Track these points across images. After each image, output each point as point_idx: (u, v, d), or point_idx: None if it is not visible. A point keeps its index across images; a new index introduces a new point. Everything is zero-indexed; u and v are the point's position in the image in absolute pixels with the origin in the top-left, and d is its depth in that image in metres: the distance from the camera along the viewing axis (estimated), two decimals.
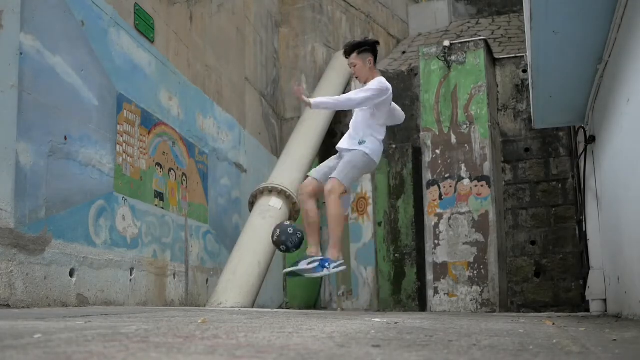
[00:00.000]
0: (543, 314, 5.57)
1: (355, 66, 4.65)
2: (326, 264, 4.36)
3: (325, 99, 4.85)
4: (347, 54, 4.67)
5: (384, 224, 8.19)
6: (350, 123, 4.71)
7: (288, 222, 4.68)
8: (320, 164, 4.85)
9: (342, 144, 4.65)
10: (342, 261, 4.47)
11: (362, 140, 4.55)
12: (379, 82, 4.61)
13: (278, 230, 4.46)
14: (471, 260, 6.83)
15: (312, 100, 4.48)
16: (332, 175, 4.47)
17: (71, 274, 4.37)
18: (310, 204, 4.58)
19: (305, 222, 4.61)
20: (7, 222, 3.79)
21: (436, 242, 7.01)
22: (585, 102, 5.67)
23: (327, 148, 7.71)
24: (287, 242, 4.38)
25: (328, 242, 4.53)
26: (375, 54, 4.70)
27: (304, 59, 9.77)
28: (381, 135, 4.65)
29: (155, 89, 5.87)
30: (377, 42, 4.79)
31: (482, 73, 7.21)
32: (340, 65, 9.50)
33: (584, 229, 6.34)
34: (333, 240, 4.46)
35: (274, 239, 4.45)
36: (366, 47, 4.67)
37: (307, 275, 4.41)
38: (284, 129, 9.40)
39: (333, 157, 4.75)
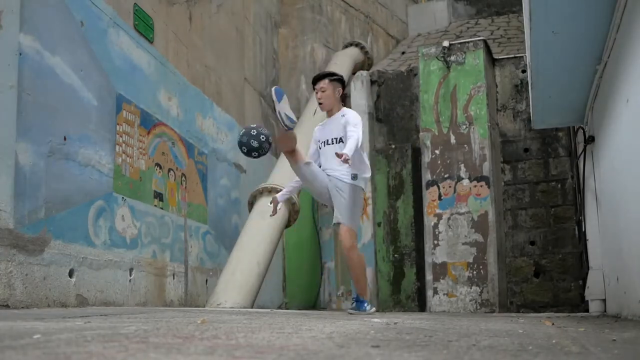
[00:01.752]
0: (542, 314, 5.57)
1: (324, 92, 4.58)
2: (366, 306, 4.50)
3: (352, 146, 4.30)
4: (319, 79, 4.63)
5: (384, 225, 8.19)
6: (328, 160, 4.53)
7: (254, 125, 4.47)
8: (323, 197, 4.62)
9: (333, 170, 4.49)
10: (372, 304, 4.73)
11: (354, 174, 4.47)
12: (356, 114, 4.58)
13: (242, 130, 4.35)
14: (470, 260, 6.83)
15: (345, 156, 4.18)
16: (342, 222, 4.44)
17: (70, 275, 4.37)
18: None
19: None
20: (6, 223, 3.78)
21: (435, 242, 7.01)
22: (585, 102, 5.67)
23: None
24: (249, 143, 4.23)
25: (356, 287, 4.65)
26: (344, 89, 4.67)
27: (303, 60, 9.77)
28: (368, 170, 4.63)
29: (155, 90, 5.87)
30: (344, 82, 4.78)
31: (481, 73, 7.21)
32: (340, 66, 9.50)
33: (583, 229, 6.35)
34: (362, 285, 4.59)
35: (238, 141, 4.33)
36: (338, 79, 4.66)
37: (351, 311, 4.53)
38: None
39: (322, 175, 4.52)
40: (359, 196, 4.54)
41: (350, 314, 4.38)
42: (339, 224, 4.48)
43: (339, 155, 4.09)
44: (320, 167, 4.61)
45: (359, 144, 4.35)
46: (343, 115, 4.55)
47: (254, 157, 4.35)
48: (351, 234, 4.46)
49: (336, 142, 4.52)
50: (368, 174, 4.60)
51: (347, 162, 4.10)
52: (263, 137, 4.24)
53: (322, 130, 4.70)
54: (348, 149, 4.18)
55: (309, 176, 4.47)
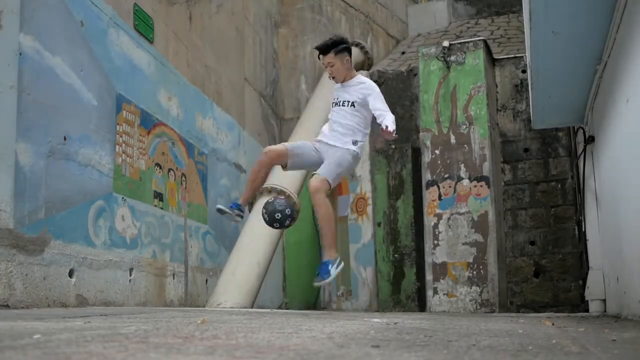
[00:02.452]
0: (542, 314, 5.57)
1: (332, 66, 4.45)
2: (330, 267, 4.30)
3: (392, 118, 4.34)
4: (323, 52, 4.45)
5: (384, 225, 8.19)
6: (335, 121, 4.52)
7: (276, 201, 4.47)
8: (297, 143, 4.70)
9: (329, 139, 4.48)
10: (340, 259, 4.44)
11: (356, 140, 4.46)
12: (374, 84, 4.55)
13: (270, 207, 4.40)
14: (470, 260, 6.83)
15: (392, 128, 4.24)
16: (320, 173, 4.36)
17: (70, 275, 4.37)
18: (267, 170, 4.60)
19: (252, 179, 4.57)
20: (6, 223, 3.78)
21: (435, 242, 7.01)
22: (585, 102, 5.67)
23: None
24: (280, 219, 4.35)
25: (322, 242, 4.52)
26: (351, 53, 4.56)
27: (303, 60, 9.77)
28: (366, 139, 4.64)
29: (155, 90, 5.87)
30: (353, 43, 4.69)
31: (481, 73, 7.21)
32: None
33: (584, 229, 6.35)
34: (328, 239, 4.40)
35: (269, 217, 4.37)
36: (344, 47, 4.49)
37: (316, 283, 4.38)
38: (283, 129, 9.40)
39: (308, 143, 4.59)
40: (349, 161, 4.46)
41: (316, 285, 4.33)
42: (315, 174, 4.42)
43: (386, 132, 4.13)
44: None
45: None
46: (362, 83, 4.51)
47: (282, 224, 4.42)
48: (324, 182, 4.34)
49: (348, 105, 4.49)
50: (362, 147, 4.61)
51: (392, 136, 4.16)
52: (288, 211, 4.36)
53: (339, 92, 4.62)
54: (391, 122, 4.20)
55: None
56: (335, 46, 4.43)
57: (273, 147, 4.62)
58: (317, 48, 4.52)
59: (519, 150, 7.76)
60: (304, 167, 4.88)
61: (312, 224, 9.00)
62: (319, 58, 4.53)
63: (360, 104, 4.46)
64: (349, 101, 4.49)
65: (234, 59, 7.95)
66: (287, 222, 4.38)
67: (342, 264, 4.44)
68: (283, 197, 4.43)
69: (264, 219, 4.41)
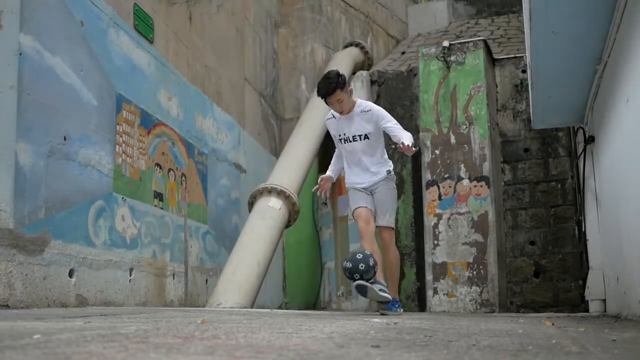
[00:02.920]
0: (542, 314, 5.57)
1: (342, 102, 4.48)
2: (397, 305, 4.52)
3: (408, 134, 4.54)
4: (330, 94, 4.45)
5: None
6: (358, 161, 4.63)
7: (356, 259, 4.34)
8: (361, 198, 4.65)
9: (369, 180, 4.62)
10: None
11: (388, 170, 4.65)
12: (379, 108, 4.66)
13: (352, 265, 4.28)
14: (470, 260, 6.83)
15: (409, 143, 4.37)
16: (384, 225, 4.62)
17: (70, 275, 4.37)
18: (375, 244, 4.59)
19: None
20: (6, 223, 3.78)
21: (435, 242, 7.01)
22: (585, 102, 5.67)
23: (326, 149, 7.71)
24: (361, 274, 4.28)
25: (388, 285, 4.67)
26: (349, 84, 4.75)
27: (303, 60, 9.77)
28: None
29: (155, 90, 5.87)
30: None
31: (481, 73, 7.21)
32: (339, 66, 9.49)
33: (583, 229, 6.35)
34: (396, 284, 4.74)
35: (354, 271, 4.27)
36: (344, 79, 4.51)
37: (379, 300, 4.41)
38: (283, 129, 9.40)
39: (364, 197, 4.64)
40: (395, 192, 4.74)
41: (383, 314, 4.41)
42: (380, 227, 4.64)
43: (406, 148, 4.23)
44: (344, 163, 4.76)
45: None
46: (367, 111, 4.54)
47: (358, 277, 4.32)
48: (392, 232, 4.71)
49: (363, 139, 4.54)
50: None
51: (412, 151, 4.28)
52: (361, 267, 4.24)
53: (339, 125, 4.63)
54: (408, 139, 4.32)
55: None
56: (339, 84, 4.44)
57: (362, 218, 4.58)
58: (324, 94, 4.46)
59: (519, 150, 7.76)
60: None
61: (312, 224, 9.01)
62: (326, 102, 4.52)
63: (373, 133, 4.55)
64: (361, 135, 4.55)
65: (234, 59, 7.95)
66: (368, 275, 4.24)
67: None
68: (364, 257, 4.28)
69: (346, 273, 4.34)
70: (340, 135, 4.63)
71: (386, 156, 4.74)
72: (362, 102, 4.64)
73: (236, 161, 7.77)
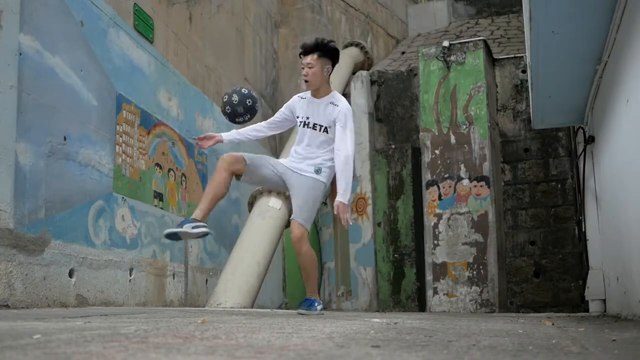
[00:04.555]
0: (542, 314, 5.57)
1: (311, 68, 3.95)
2: (316, 304, 4.01)
3: (344, 187, 3.96)
4: (306, 52, 3.96)
5: (384, 225, 8.19)
6: (303, 144, 4.10)
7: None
8: (255, 156, 4.17)
9: (296, 165, 4.09)
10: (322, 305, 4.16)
11: (318, 168, 4.04)
12: (349, 108, 4.09)
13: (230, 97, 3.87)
14: (470, 260, 6.83)
15: (345, 201, 3.92)
16: (295, 219, 4.05)
17: (70, 275, 4.37)
18: (227, 176, 4.04)
19: (210, 188, 4.08)
20: (6, 223, 3.78)
21: (435, 242, 7.01)
22: (585, 102, 5.67)
23: None
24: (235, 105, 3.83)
25: (305, 287, 4.15)
26: (334, 66, 4.09)
27: None
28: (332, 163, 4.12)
29: (155, 90, 5.87)
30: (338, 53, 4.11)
31: (481, 73, 7.21)
32: (339, 66, 9.49)
33: (584, 229, 6.34)
34: (314, 285, 4.11)
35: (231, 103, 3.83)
36: (330, 53, 4.00)
37: (300, 311, 4.02)
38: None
39: (265, 161, 4.16)
40: (320, 194, 4.10)
41: (301, 314, 3.94)
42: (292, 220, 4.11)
43: (342, 217, 3.85)
44: (295, 146, 4.18)
45: (351, 171, 3.98)
46: (335, 105, 4.03)
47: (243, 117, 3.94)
48: (302, 230, 4.05)
49: (321, 131, 4.03)
50: (331, 171, 4.11)
51: (344, 219, 3.86)
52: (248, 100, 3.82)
53: (304, 107, 4.13)
54: (345, 199, 3.87)
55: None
56: (322, 48, 3.97)
57: (231, 156, 4.06)
58: (302, 47, 4.01)
59: (519, 150, 7.76)
60: (261, 184, 4.54)
61: (312, 223, 9.00)
62: (300, 56, 4.05)
63: (333, 128, 4.05)
64: (322, 126, 4.05)
65: (234, 59, 7.95)
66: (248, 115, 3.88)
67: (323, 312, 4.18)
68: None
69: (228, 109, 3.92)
70: (302, 118, 4.11)
71: (331, 159, 4.11)
72: (338, 96, 4.14)
73: None
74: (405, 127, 8.45)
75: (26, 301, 3.88)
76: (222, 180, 4.02)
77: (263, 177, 4.13)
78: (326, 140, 4.05)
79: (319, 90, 4.06)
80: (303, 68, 4.00)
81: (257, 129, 4.37)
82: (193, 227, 3.79)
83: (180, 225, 3.81)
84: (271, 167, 4.10)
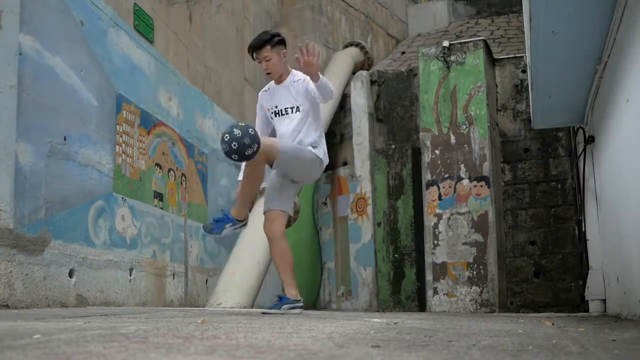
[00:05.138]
0: (542, 314, 5.57)
1: (269, 60, 3.96)
2: (286, 302, 3.89)
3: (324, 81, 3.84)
4: (258, 48, 3.97)
5: (384, 225, 8.19)
6: (288, 133, 3.97)
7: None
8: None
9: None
10: (301, 301, 4.02)
11: (314, 143, 3.99)
12: (306, 77, 3.96)
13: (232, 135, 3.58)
14: (470, 260, 6.83)
15: (320, 77, 3.80)
16: (273, 208, 4.00)
17: (70, 275, 4.37)
18: (260, 167, 3.90)
19: (246, 186, 4.02)
20: (6, 223, 3.78)
21: (435, 242, 7.01)
22: (585, 102, 5.67)
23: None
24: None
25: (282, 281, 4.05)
26: (286, 47, 4.13)
27: None
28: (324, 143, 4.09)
29: (155, 90, 5.87)
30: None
31: (481, 73, 7.21)
32: (339, 66, 9.50)
33: (584, 229, 6.34)
34: (291, 280, 3.99)
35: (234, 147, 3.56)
36: (279, 39, 4.07)
37: (265, 311, 3.93)
38: None
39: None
40: (309, 162, 3.99)
41: (264, 313, 3.84)
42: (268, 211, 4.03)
43: (308, 57, 3.63)
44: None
45: (330, 89, 3.87)
46: (300, 80, 3.98)
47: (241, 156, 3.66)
48: (279, 219, 4.03)
49: (294, 112, 3.99)
50: (324, 148, 4.08)
51: (312, 63, 3.64)
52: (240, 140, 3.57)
53: (270, 97, 4.09)
54: (322, 79, 3.76)
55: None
56: (270, 40, 4.00)
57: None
58: (251, 47, 4.02)
59: (519, 150, 7.76)
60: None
61: (312, 224, 9.01)
62: (253, 58, 4.05)
63: (306, 105, 3.98)
64: (292, 107, 4.01)
65: (234, 59, 7.95)
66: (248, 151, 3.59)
67: (302, 311, 4.03)
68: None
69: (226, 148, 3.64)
70: (271, 109, 4.06)
71: (323, 141, 4.08)
72: (297, 72, 4.07)
73: None
74: (405, 127, 8.45)
75: (26, 301, 3.88)
76: (259, 171, 3.99)
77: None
78: (303, 117, 4.00)
79: (282, 76, 4.09)
80: (260, 62, 4.03)
81: None
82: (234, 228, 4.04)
83: (220, 227, 3.97)
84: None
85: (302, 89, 3.99)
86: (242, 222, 4.09)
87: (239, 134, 3.53)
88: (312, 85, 3.87)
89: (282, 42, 4.10)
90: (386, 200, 8.25)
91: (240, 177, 4.26)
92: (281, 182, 4.15)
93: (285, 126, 4.03)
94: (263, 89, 4.26)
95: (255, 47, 4.00)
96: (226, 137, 3.55)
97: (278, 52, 4.05)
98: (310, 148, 3.98)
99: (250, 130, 3.57)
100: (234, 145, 3.52)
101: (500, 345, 1.96)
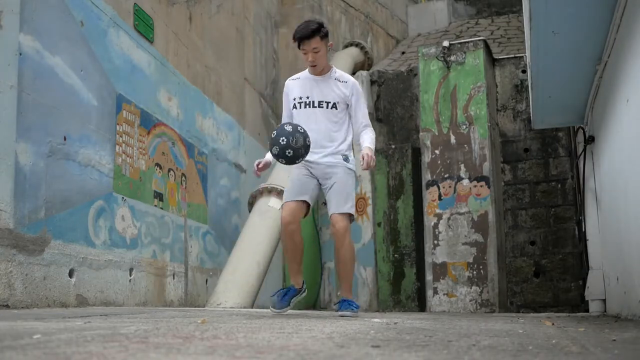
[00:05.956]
0: (542, 314, 5.57)
1: (318, 52, 3.81)
2: (353, 306, 3.88)
3: (372, 142, 3.90)
4: (307, 38, 3.77)
5: (384, 225, 8.19)
6: (312, 128, 3.78)
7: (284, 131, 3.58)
8: (295, 184, 3.92)
9: (321, 158, 3.87)
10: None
11: (345, 154, 3.90)
12: (355, 81, 3.98)
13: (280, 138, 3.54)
14: (470, 260, 6.83)
15: (371, 148, 3.83)
16: (340, 211, 3.81)
17: (70, 275, 4.37)
18: (298, 235, 3.89)
19: (291, 254, 3.97)
20: (6, 223, 3.78)
21: (435, 242, 7.01)
22: (585, 102, 5.67)
23: None
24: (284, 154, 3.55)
25: (341, 284, 4.05)
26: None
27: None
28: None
29: (155, 90, 5.87)
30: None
31: (481, 73, 7.21)
32: (339, 66, 9.49)
33: (584, 229, 6.34)
34: (350, 282, 3.97)
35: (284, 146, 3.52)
36: (327, 30, 3.86)
37: (341, 313, 3.88)
38: None
39: (302, 172, 3.90)
40: (353, 181, 3.95)
41: (343, 315, 3.82)
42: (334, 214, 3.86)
43: (367, 165, 3.67)
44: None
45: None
46: (345, 81, 3.91)
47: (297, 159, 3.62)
48: (348, 221, 3.86)
49: (330, 108, 3.86)
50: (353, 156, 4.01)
51: (370, 166, 3.70)
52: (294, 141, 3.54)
53: (305, 85, 3.96)
54: (369, 150, 3.74)
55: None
56: (320, 31, 3.80)
57: (293, 210, 3.83)
58: (301, 36, 3.79)
59: (519, 150, 7.76)
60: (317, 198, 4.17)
61: (312, 224, 9.00)
62: (299, 47, 3.86)
63: (342, 106, 3.89)
64: (329, 102, 3.86)
65: (234, 59, 7.95)
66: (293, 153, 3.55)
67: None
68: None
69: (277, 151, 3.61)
70: (302, 98, 3.91)
71: (350, 140, 3.97)
72: (340, 71, 4.01)
73: (236, 161, 7.77)
74: (405, 127, 8.45)
75: (26, 301, 3.88)
76: (298, 239, 3.92)
77: (316, 197, 4.01)
78: (338, 120, 3.89)
79: (324, 70, 3.94)
80: (305, 54, 3.85)
81: None
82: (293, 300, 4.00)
83: (284, 303, 3.95)
84: (312, 183, 3.90)
85: (345, 95, 3.90)
86: (302, 289, 4.07)
87: (299, 143, 3.54)
88: (354, 108, 3.91)
89: (327, 34, 3.89)
90: (386, 200, 8.25)
91: (278, 206, 4.24)
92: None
93: (315, 122, 3.85)
94: (292, 77, 4.13)
95: (304, 37, 3.78)
96: (283, 140, 3.51)
97: (326, 44, 3.86)
98: (344, 164, 3.88)
99: (307, 140, 3.56)
100: (289, 152, 3.52)
101: (500, 345, 1.96)
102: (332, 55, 10.03)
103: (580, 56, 4.72)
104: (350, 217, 3.88)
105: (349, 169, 3.92)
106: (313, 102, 3.89)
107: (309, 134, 3.66)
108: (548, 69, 4.92)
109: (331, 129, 3.89)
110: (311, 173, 3.90)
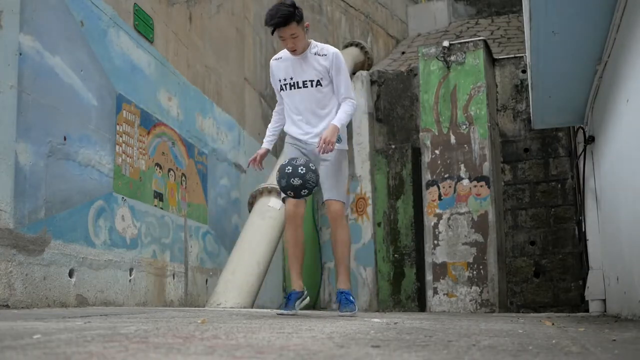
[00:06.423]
0: (542, 314, 5.57)
1: (296, 37, 3.69)
2: (351, 298, 3.87)
3: (342, 118, 3.80)
4: (284, 24, 3.64)
5: (384, 225, 8.19)
6: (301, 110, 3.84)
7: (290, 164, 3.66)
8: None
9: (311, 137, 3.86)
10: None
11: (337, 137, 3.81)
12: (340, 54, 3.83)
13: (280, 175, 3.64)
14: (470, 260, 6.83)
15: (337, 125, 3.75)
16: (331, 198, 3.82)
17: (70, 275, 4.37)
18: (301, 230, 3.91)
19: (292, 252, 3.94)
20: (6, 223, 3.78)
21: (435, 242, 7.01)
22: (585, 102, 5.67)
23: None
24: (290, 185, 3.60)
25: (338, 271, 4.01)
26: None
27: None
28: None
29: (155, 90, 5.87)
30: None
31: (481, 73, 7.21)
32: None
33: (584, 230, 6.35)
34: (347, 269, 3.96)
35: (293, 184, 3.59)
36: (300, 14, 3.71)
37: (342, 313, 3.86)
38: (283, 129, 9.39)
39: (294, 151, 3.92)
40: (345, 162, 3.94)
41: (343, 315, 3.79)
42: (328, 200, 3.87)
43: (322, 151, 3.62)
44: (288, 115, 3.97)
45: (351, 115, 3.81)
46: (324, 54, 3.78)
47: (306, 194, 3.69)
48: (342, 205, 3.86)
49: (315, 85, 3.78)
50: (344, 134, 3.95)
51: (330, 148, 3.61)
52: (302, 170, 3.61)
53: (287, 66, 3.85)
54: (331, 131, 3.65)
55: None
56: (294, 15, 3.66)
57: (294, 206, 3.86)
58: (276, 23, 3.64)
59: (519, 150, 7.76)
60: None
61: (312, 224, 9.01)
62: (272, 33, 3.73)
63: (327, 80, 3.80)
64: (312, 80, 3.78)
65: (234, 59, 7.95)
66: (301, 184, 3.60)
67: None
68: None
69: (283, 185, 3.69)
70: (285, 79, 3.85)
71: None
72: (319, 44, 3.87)
73: (236, 161, 7.77)
74: (405, 127, 8.45)
75: (26, 301, 3.88)
76: (299, 236, 3.93)
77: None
78: (324, 96, 3.82)
79: (305, 49, 3.82)
80: (284, 40, 3.73)
81: (278, 120, 4.22)
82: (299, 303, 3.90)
83: (290, 305, 3.85)
84: (306, 159, 3.80)
85: (325, 69, 3.79)
86: (305, 293, 4.00)
87: (309, 177, 3.60)
88: (336, 82, 3.81)
89: (302, 15, 3.75)
90: (386, 200, 8.25)
91: (278, 207, 4.25)
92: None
93: (301, 102, 3.83)
94: (275, 57, 3.97)
95: (279, 25, 3.64)
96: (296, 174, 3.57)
97: (303, 27, 3.74)
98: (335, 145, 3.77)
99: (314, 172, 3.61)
100: (296, 180, 3.58)
101: (500, 345, 1.96)
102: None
103: (580, 56, 4.72)
104: (342, 203, 3.90)
105: (341, 149, 3.89)
106: (297, 82, 3.84)
107: (306, 118, 3.81)
108: (548, 69, 4.92)
109: (319, 107, 3.86)
110: (303, 154, 3.90)
